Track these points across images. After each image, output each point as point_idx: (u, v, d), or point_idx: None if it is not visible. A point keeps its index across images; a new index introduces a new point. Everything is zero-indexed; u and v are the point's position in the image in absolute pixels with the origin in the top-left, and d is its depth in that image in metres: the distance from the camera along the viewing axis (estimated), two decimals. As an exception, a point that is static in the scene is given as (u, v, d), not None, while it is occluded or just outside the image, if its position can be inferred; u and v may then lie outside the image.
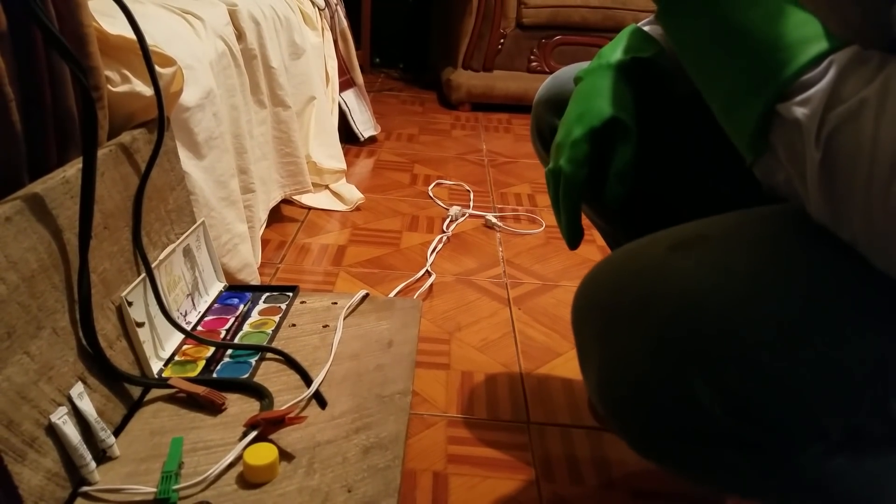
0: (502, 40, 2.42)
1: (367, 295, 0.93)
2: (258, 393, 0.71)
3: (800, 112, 0.38)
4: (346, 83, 1.90)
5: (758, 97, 0.40)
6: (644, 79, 0.61)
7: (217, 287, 0.91)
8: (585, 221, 0.86)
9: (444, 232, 1.46)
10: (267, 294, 0.92)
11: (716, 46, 0.43)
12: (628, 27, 0.65)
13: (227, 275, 0.97)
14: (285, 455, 0.64)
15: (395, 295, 1.15)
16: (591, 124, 0.57)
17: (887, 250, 0.36)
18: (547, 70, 2.45)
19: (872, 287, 0.39)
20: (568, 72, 0.79)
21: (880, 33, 0.38)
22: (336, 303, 0.91)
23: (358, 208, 1.56)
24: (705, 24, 0.43)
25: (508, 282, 1.27)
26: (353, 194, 1.58)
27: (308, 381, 0.74)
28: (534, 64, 2.46)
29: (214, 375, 0.74)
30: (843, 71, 0.37)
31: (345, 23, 1.87)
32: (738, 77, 0.42)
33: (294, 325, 0.85)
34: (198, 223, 0.87)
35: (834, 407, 0.40)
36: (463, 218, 1.55)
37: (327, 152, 1.59)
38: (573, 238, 0.62)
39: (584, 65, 0.71)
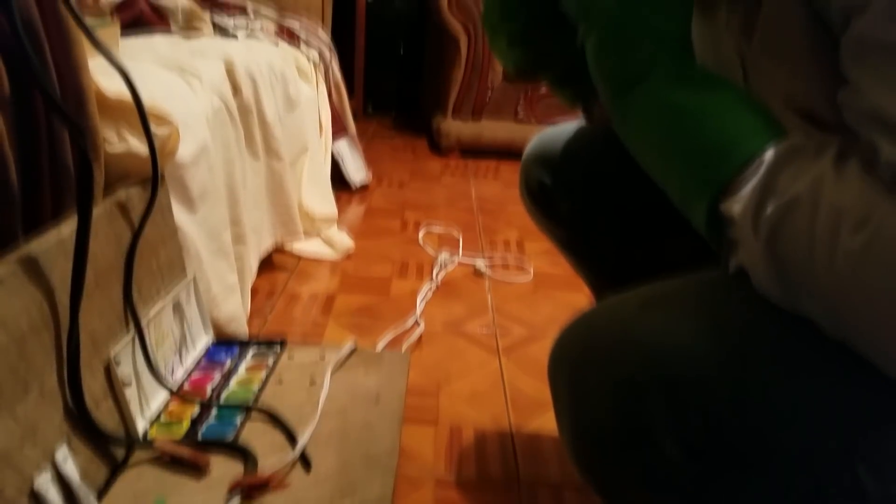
0: (490, 91, 2.48)
1: (355, 348, 0.93)
2: (243, 454, 0.71)
3: (736, 208, 0.42)
4: (339, 132, 1.93)
5: (702, 199, 0.44)
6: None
7: (205, 341, 0.91)
8: (570, 270, 0.88)
9: (433, 279, 1.47)
10: (254, 348, 0.92)
11: (661, 154, 0.47)
12: None
13: (216, 327, 0.97)
14: (271, 518, 0.63)
15: (384, 346, 1.15)
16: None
17: (840, 324, 0.39)
18: (533, 120, 2.50)
19: (832, 351, 0.40)
20: (553, 132, 0.82)
21: (833, 113, 0.42)
22: (324, 357, 0.91)
23: (348, 255, 1.57)
24: (651, 135, 0.47)
25: (497, 331, 1.27)
26: (344, 241, 1.59)
27: (293, 440, 0.73)
28: (520, 115, 2.51)
29: (200, 435, 0.73)
30: (776, 166, 0.41)
31: (338, 75, 1.91)
32: (683, 181, 0.46)
33: (281, 381, 0.85)
34: (188, 277, 0.88)
35: (792, 466, 0.41)
36: (452, 265, 1.56)
37: (319, 200, 1.61)
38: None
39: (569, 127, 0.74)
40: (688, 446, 0.42)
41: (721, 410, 0.42)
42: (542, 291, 1.46)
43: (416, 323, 1.27)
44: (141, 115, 0.72)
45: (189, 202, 0.93)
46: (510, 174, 2.39)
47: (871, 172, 0.38)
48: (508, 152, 2.52)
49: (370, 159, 2.22)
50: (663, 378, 0.43)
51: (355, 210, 1.92)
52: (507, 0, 0.66)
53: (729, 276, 0.45)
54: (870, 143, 0.38)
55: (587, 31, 0.48)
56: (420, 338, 1.22)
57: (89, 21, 1.07)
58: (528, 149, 0.83)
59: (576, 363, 0.49)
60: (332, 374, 0.87)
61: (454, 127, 2.50)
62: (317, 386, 0.84)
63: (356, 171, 2.03)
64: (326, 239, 1.59)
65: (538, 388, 1.09)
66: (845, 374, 0.41)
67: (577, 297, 1.44)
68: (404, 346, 1.18)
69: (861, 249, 0.36)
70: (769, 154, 0.41)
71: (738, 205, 0.42)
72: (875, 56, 0.37)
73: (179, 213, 0.90)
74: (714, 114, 0.44)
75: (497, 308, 1.37)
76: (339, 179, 1.95)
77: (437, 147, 2.57)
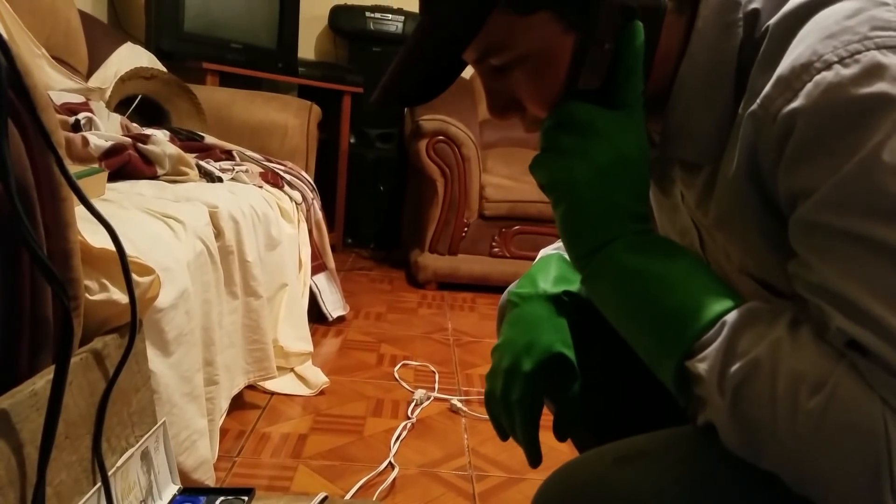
0: (466, 228, 2.58)
1: (325, 498, 0.91)
2: None
3: (702, 368, 0.45)
4: (318, 267, 1.98)
5: (668, 357, 0.47)
6: (576, 306, 0.66)
7: (171, 490, 0.89)
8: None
9: (408, 417, 1.46)
10: (221, 498, 0.89)
11: (629, 315, 0.50)
12: (553, 254, 0.71)
13: (183, 474, 0.95)
14: None
15: (356, 493, 1.13)
16: (540, 358, 0.61)
17: (801, 479, 0.41)
18: (508, 255, 2.59)
19: None
20: None
21: (784, 283, 0.46)
22: (294, 507, 0.89)
23: (322, 392, 1.55)
24: (618, 297, 0.50)
25: (474, 474, 1.25)
26: (318, 378, 1.58)
27: None
28: (495, 249, 2.60)
29: None
30: (736, 330, 0.44)
31: (319, 214, 1.99)
32: (651, 341, 0.49)
33: (248, 534, 0.83)
34: (158, 424, 0.87)
35: None
36: (428, 402, 1.55)
37: (295, 335, 1.61)
38: (535, 458, 0.64)
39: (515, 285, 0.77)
40: None
41: None
42: (518, 429, 1.45)
43: (390, 466, 1.24)
44: (124, 269, 0.75)
45: (164, 346, 0.94)
46: (486, 307, 2.43)
47: (822, 337, 0.42)
48: (485, 286, 2.59)
49: (348, 290, 2.25)
50: None
51: (331, 343, 1.92)
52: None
53: (699, 429, 0.47)
54: (820, 311, 0.42)
55: (556, 201, 0.52)
56: (393, 482, 1.19)
57: (78, 169, 1.13)
58: (511, 288, 0.87)
59: None
60: (301, 525, 0.84)
61: (431, 261, 2.58)
62: (285, 540, 0.81)
63: (333, 305, 2.05)
64: (300, 374, 1.59)
65: (514, 536, 1.06)
66: None
67: (553, 437, 1.43)
68: (377, 493, 1.15)
69: (820, 411, 0.39)
70: (730, 317, 0.45)
71: (703, 364, 0.45)
72: (820, 237, 0.42)
73: (154, 357, 0.91)
74: (675, 279, 0.48)
75: (473, 449, 1.35)
76: (315, 312, 1.97)
77: (415, 280, 2.63)
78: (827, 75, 0.41)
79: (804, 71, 0.42)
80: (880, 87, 0.39)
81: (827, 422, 0.39)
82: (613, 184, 0.50)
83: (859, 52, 0.40)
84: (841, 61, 0.41)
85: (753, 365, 0.42)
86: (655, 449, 0.50)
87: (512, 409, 0.62)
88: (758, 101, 0.45)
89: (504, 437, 0.67)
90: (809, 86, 0.41)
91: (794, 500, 0.42)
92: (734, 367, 0.43)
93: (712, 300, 0.46)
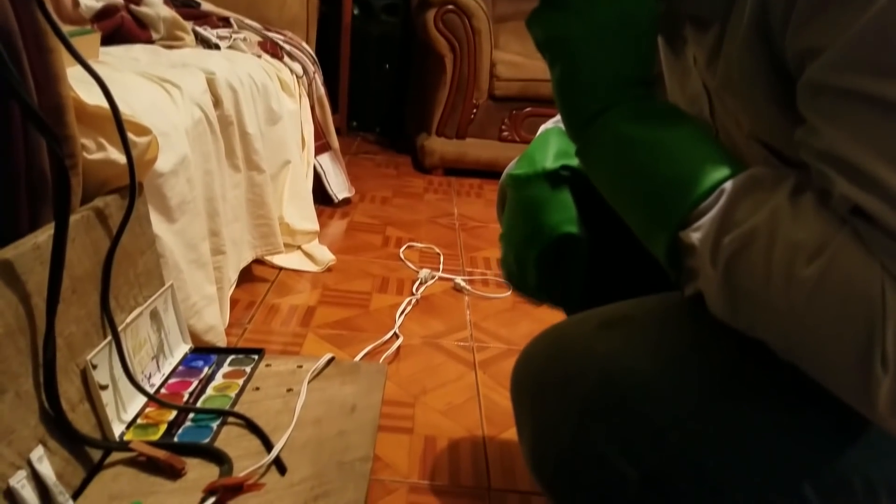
0: (475, 110, 2.51)
1: (332, 358, 0.94)
2: (218, 458, 0.71)
3: (695, 237, 0.43)
4: (322, 147, 1.95)
5: (663, 228, 0.45)
6: (578, 179, 0.64)
7: (183, 349, 0.92)
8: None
9: (413, 294, 1.48)
10: (232, 356, 0.92)
11: (625, 186, 0.48)
12: (552, 128, 0.68)
13: (194, 336, 0.98)
14: (243, 522, 0.64)
15: (362, 358, 1.16)
16: (547, 242, 0.60)
17: (792, 348, 0.41)
18: (518, 139, 2.54)
19: (781, 375, 0.42)
20: None
21: (792, 150, 0.44)
22: (301, 366, 0.92)
23: (329, 269, 1.58)
24: (612, 167, 0.48)
25: (475, 345, 1.29)
26: (325, 255, 1.60)
27: (269, 446, 0.74)
28: (505, 133, 2.54)
29: (175, 439, 0.74)
30: (734, 198, 0.42)
31: (322, 90, 1.93)
32: (645, 212, 0.47)
33: (258, 388, 0.86)
34: (166, 286, 0.89)
35: (742, 484, 0.43)
36: (432, 280, 1.57)
37: (300, 214, 1.62)
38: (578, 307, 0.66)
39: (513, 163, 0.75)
40: (643, 472, 0.44)
41: (673, 440, 0.43)
42: (521, 308, 1.48)
43: (395, 336, 1.28)
44: (118, 123, 0.74)
45: (167, 212, 0.94)
46: (493, 193, 2.41)
47: (825, 205, 0.40)
48: (492, 172, 2.55)
49: (353, 175, 2.24)
50: (617, 405, 0.45)
51: (337, 225, 1.93)
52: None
53: (687, 298, 0.47)
54: (825, 178, 0.40)
55: (552, 61, 0.49)
56: (398, 350, 1.23)
57: (68, 30, 1.08)
58: (508, 169, 0.85)
59: (536, 385, 0.50)
60: (309, 382, 0.87)
61: (438, 145, 2.53)
62: (294, 394, 0.85)
63: (338, 187, 2.04)
64: (307, 252, 1.60)
65: (514, 399, 1.10)
66: (794, 399, 0.43)
67: (554, 315, 1.45)
68: (382, 359, 1.19)
69: (816, 277, 0.38)
70: (728, 185, 0.43)
71: (696, 234, 0.43)
72: (829, 99, 0.39)
73: (158, 224, 0.91)
74: (674, 147, 0.46)
75: (475, 324, 1.38)
76: (321, 194, 1.96)
77: (421, 165, 2.59)
78: None
79: None
80: None
81: (823, 287, 0.38)
82: (614, 44, 0.46)
83: None
84: None
85: (750, 234, 0.41)
86: (641, 314, 0.49)
87: (535, 293, 0.62)
88: None
89: (539, 304, 0.68)
90: None
91: (777, 370, 0.42)
92: (729, 237, 0.41)
93: (711, 168, 0.44)
